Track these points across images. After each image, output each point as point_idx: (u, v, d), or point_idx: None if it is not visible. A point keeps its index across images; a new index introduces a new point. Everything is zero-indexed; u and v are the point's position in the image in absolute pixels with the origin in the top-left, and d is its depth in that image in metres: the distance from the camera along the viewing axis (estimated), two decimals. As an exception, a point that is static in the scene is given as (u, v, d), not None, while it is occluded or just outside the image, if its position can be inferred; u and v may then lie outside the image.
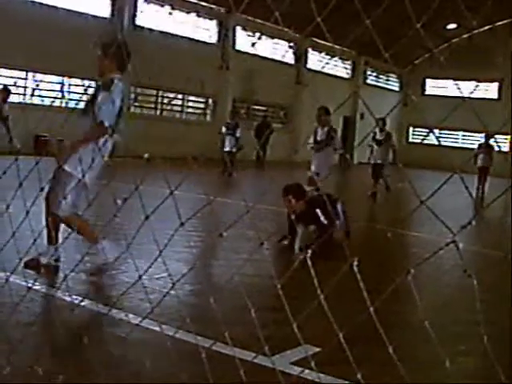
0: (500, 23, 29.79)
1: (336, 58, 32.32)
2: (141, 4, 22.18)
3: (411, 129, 38.04)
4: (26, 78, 19.17)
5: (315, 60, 30.79)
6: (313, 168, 10.09)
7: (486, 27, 29.78)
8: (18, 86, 18.64)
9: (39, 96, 19.66)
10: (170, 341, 3.35)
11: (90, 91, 5.69)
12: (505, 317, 4.70)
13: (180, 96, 24.82)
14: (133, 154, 14.75)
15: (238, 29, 26.31)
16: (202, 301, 4.74)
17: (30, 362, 3.27)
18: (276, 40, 28.33)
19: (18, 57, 17.28)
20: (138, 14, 22.00)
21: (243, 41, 26.71)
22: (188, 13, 23.95)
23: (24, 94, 19.10)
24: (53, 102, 19.80)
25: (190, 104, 25.62)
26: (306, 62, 30.17)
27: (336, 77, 31.82)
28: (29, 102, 18.98)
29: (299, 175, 10.17)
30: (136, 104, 22.94)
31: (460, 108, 2.01)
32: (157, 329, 3.64)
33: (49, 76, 19.65)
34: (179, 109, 25.20)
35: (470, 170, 16.08)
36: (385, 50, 1.93)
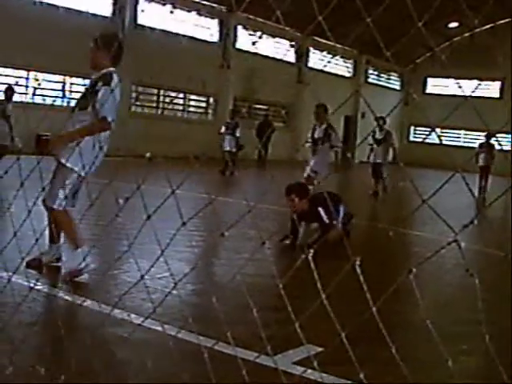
0: (502, 22, 29.71)
1: (337, 57, 32.26)
2: (142, 3, 22.20)
3: (412, 128, 38.02)
4: (27, 78, 19.19)
5: (316, 59, 30.77)
6: (310, 166, 10.05)
7: (488, 26, 29.72)
8: (20, 85, 18.63)
9: (41, 95, 19.67)
10: (172, 341, 3.36)
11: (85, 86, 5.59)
12: (507, 316, 4.69)
13: (181, 95, 24.84)
14: (134, 154, 14.79)
15: (239, 28, 26.33)
16: (204, 300, 4.74)
17: (31, 362, 3.27)
18: (277, 39, 28.33)
19: (18, 56, 17.27)
20: (139, 12, 22.03)
21: (244, 40, 26.72)
22: (189, 12, 23.96)
23: (25, 93, 19.10)
24: (54, 101, 19.79)
25: (192, 103, 25.64)
26: (307, 61, 30.18)
27: (337, 76, 31.81)
28: (30, 101, 18.99)
29: (301, 174, 10.15)
30: (137, 103, 22.95)
31: (461, 107, 2.00)
32: (159, 329, 3.64)
33: (50, 75, 19.66)
34: (181, 108, 25.20)
35: (472, 169, 16.06)
36: (386, 49, 1.93)
